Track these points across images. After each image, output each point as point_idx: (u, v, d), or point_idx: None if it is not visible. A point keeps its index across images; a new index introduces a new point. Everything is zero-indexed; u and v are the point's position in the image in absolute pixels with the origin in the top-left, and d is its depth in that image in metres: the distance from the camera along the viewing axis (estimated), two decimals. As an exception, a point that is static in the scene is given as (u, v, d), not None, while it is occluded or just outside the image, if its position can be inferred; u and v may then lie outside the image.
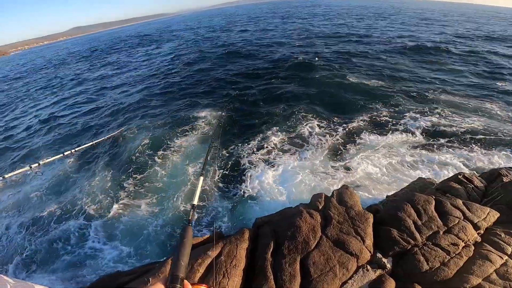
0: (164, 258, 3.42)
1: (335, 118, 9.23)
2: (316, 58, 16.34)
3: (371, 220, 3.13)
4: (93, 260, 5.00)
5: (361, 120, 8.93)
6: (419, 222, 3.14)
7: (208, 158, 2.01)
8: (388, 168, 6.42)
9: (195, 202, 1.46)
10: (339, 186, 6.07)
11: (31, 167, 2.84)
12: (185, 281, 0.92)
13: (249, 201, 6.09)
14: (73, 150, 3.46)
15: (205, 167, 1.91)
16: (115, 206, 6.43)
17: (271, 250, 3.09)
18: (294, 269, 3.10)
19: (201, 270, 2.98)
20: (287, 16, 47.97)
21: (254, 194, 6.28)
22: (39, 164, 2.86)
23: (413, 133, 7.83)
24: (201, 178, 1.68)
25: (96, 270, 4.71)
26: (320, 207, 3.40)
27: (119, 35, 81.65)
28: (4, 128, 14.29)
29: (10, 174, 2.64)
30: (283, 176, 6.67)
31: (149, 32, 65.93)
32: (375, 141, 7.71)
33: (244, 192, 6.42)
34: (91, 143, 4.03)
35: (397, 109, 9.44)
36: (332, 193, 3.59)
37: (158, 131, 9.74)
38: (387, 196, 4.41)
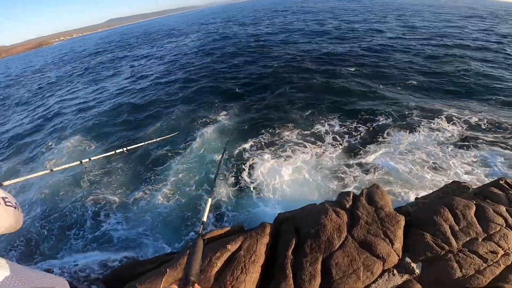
0: (183, 249, 3.54)
1: (358, 117, 9.25)
2: (346, 56, 16.28)
3: (402, 222, 3.09)
4: (106, 244, 5.56)
5: (387, 120, 8.82)
6: (457, 228, 3.07)
7: (216, 182, 2.31)
8: (414, 168, 6.31)
9: (204, 219, 1.70)
10: (356, 185, 6.07)
11: (81, 162, 2.93)
12: (196, 284, 1.09)
13: (254, 196, 6.39)
14: (124, 149, 3.56)
15: (214, 189, 2.15)
16: (131, 192, 7.19)
17: (292, 247, 3.13)
18: (315, 269, 3.13)
19: (219, 264, 3.06)
20: (316, 11, 46.70)
21: (260, 189, 6.55)
22: (89, 159, 2.98)
23: (448, 133, 7.55)
24: (210, 199, 1.93)
25: (110, 253, 5.23)
26: (348, 206, 3.39)
27: (151, 27, 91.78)
28: (44, 108, 16.87)
29: (58, 168, 2.69)
30: (292, 172, 6.85)
31: (178, 24, 73.91)
32: (401, 140, 7.66)
33: (249, 187, 6.73)
34: (144, 143, 4.13)
35: (433, 110, 9.18)
36: (362, 191, 3.56)
37: (176, 123, 10.75)
38: (417, 198, 4.31)
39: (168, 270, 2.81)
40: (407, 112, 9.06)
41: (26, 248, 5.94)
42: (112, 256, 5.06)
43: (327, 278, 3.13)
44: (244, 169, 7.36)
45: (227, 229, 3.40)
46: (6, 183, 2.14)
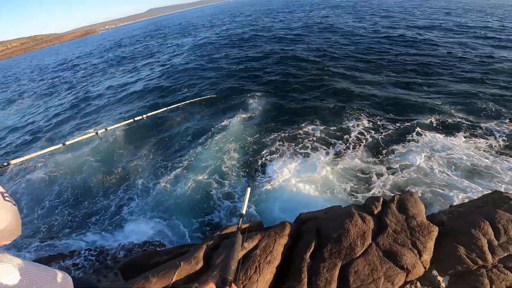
0: (201, 241, 3.72)
1: (391, 117, 9.18)
2: (388, 55, 15.97)
3: (435, 234, 3.07)
4: (126, 228, 6.21)
5: (423, 122, 8.59)
6: (495, 243, 3.03)
7: (256, 172, 2.18)
8: (450, 172, 6.04)
9: (243, 211, 1.72)
10: (382, 187, 5.96)
11: (97, 133, 2.90)
12: (233, 284, 1.09)
13: (266, 191, 6.57)
14: (145, 116, 3.54)
15: (252, 179, 2.03)
16: (153, 176, 8.03)
17: (311, 251, 3.19)
18: (332, 275, 3.18)
19: (234, 260, 3.10)
20: (356, 7, 44.90)
21: (274, 185, 6.68)
22: (106, 129, 2.95)
23: (494, 141, 7.22)
24: (248, 189, 1.96)
25: (131, 237, 5.85)
26: (376, 212, 3.38)
27: (187, 17, 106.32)
28: (84, 93, 19.74)
29: (72, 141, 2.67)
30: (311, 169, 6.93)
31: (214, 15, 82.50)
32: (436, 142, 7.51)
33: (263, 181, 6.88)
34: (165, 108, 4.19)
35: (480, 114, 8.74)
36: (393, 197, 3.53)
37: (203, 112, 11.72)
38: (451, 206, 4.17)
39: (182, 263, 2.92)
40: (448, 116, 8.75)
41: (47, 234, 6.66)
42: (134, 240, 5.64)
43: (343, 285, 3.15)
44: (260, 163, 7.78)
45: (246, 225, 3.46)
46: (13, 161, 2.15)
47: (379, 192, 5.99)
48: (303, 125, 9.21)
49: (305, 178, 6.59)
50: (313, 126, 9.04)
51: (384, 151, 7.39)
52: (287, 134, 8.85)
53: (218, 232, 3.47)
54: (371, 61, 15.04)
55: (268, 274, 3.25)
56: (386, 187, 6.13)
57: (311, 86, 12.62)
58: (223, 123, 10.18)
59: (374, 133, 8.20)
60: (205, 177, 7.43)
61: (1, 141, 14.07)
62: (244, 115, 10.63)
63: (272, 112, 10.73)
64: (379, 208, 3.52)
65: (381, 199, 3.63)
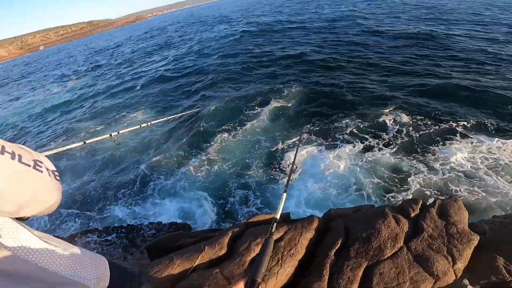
0: (227, 227, 3.99)
1: (434, 117, 8.92)
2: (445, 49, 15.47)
3: (475, 242, 3.10)
4: (154, 208, 7.02)
5: (469, 124, 8.23)
6: None
7: (291, 175, 2.44)
8: (494, 179, 5.86)
9: (278, 216, 1.76)
10: (420, 189, 5.87)
11: (111, 135, 3.46)
12: (261, 286, 1.21)
13: (292, 185, 6.87)
14: (149, 123, 4.36)
15: (288, 184, 2.30)
16: (179, 161, 9.02)
17: (336, 248, 3.30)
18: (355, 275, 3.30)
19: (257, 250, 3.31)
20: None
21: (295, 179, 7.00)
22: (118, 132, 3.52)
23: None
24: (284, 194, 2.05)
25: (159, 218, 6.59)
26: (412, 215, 3.42)
27: (231, 5, 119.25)
28: (130, 75, 24.21)
29: (91, 140, 3.24)
30: (341, 166, 7.04)
31: (255, 4, 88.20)
32: (483, 145, 7.24)
33: (283, 174, 7.29)
34: (166, 118, 5.33)
35: None
36: (434, 202, 3.53)
37: (233, 103, 12.60)
38: (494, 216, 4.09)
39: (206, 247, 3.11)
40: (499, 120, 8.28)
41: (83, 207, 7.60)
42: (162, 220, 6.24)
43: (366, 286, 3.24)
44: (283, 155, 7.94)
45: (273, 215, 3.57)
46: (45, 153, 2.47)
47: (415, 192, 5.99)
48: (336, 119, 9.41)
49: (335, 173, 6.71)
50: (347, 121, 9.16)
51: (423, 151, 7.34)
52: (318, 128, 9.08)
53: (245, 220, 3.70)
54: (414, 60, 14.35)
55: (289, 267, 3.40)
56: (423, 189, 6.11)
57: (348, 82, 12.54)
58: (254, 112, 11.05)
59: (414, 132, 8.09)
60: (230, 165, 7.94)
61: (53, 120, 17.06)
62: (277, 105, 11.27)
63: (305, 103, 11.16)
64: (417, 211, 3.55)
65: (420, 202, 3.65)
